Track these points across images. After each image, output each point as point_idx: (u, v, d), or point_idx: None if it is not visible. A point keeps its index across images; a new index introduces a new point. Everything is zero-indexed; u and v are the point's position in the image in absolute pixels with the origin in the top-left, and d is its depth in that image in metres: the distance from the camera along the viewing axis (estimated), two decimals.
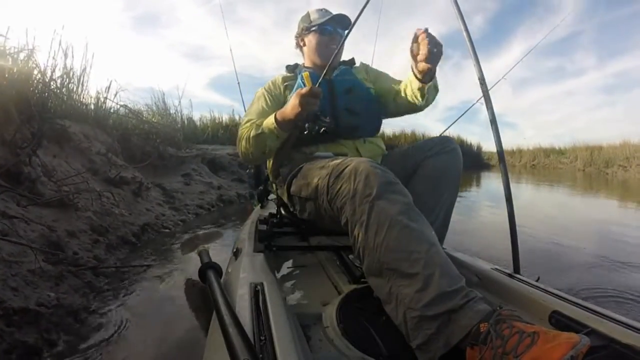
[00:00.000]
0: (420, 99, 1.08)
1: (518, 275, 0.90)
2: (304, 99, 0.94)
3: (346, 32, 1.10)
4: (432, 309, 0.59)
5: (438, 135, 1.36)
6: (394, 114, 1.28)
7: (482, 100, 1.08)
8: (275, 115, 1.04)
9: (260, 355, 0.47)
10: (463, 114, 1.62)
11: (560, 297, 0.75)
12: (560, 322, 0.69)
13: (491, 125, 1.02)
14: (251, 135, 1.09)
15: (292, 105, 0.98)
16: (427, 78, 1.00)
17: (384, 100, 1.25)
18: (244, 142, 1.12)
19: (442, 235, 1.04)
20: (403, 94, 1.13)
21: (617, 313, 0.67)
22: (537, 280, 1.04)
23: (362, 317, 0.78)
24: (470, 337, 0.55)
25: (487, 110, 1.05)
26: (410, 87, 1.07)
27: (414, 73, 1.01)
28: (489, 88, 1.05)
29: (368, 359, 0.65)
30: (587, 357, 0.49)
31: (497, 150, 1.05)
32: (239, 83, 2.40)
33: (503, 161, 1.04)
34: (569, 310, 0.70)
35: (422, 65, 0.93)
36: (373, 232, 0.68)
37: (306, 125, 1.01)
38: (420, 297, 0.60)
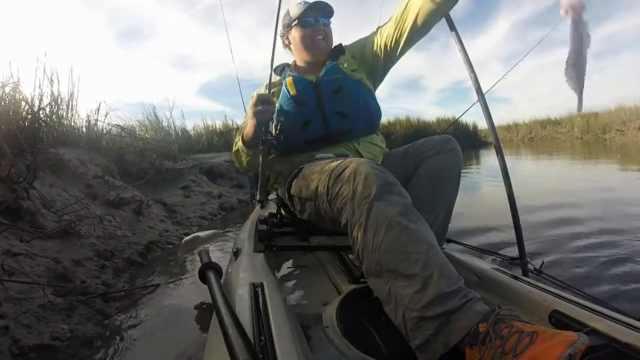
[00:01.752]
0: None
1: (518, 275, 0.90)
2: (254, 110, 0.96)
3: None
4: (431, 310, 0.59)
5: (438, 128, 1.36)
6: (410, 42, 1.10)
7: (483, 95, 1.10)
8: (242, 133, 1.09)
9: (260, 356, 0.47)
10: (461, 116, 1.61)
11: (560, 297, 0.75)
12: (561, 321, 0.69)
13: (487, 125, 1.03)
14: (233, 150, 1.18)
15: (248, 120, 1.01)
16: None
17: (386, 52, 1.13)
18: (233, 156, 1.22)
19: (441, 235, 1.03)
20: (411, 10, 1.01)
21: (617, 312, 0.67)
22: (541, 267, 1.04)
23: (362, 317, 0.78)
24: (469, 337, 0.55)
25: (486, 120, 1.06)
26: None
27: None
28: (484, 92, 1.06)
29: (368, 359, 0.65)
30: (587, 356, 0.50)
31: (501, 168, 1.06)
32: (239, 83, 2.37)
33: (507, 178, 1.05)
34: (569, 310, 0.69)
35: None
36: (372, 233, 0.68)
37: (269, 130, 1.02)
38: (419, 298, 0.61)
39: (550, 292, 0.77)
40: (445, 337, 0.58)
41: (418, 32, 1.06)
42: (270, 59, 1.13)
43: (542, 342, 0.48)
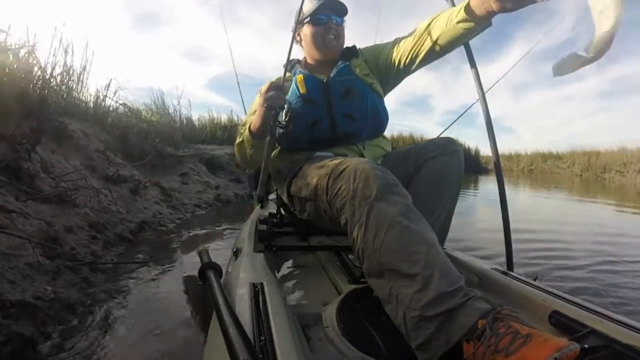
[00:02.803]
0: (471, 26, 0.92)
1: (518, 275, 0.90)
2: (266, 95, 0.94)
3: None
4: (432, 309, 0.58)
5: (437, 136, 1.33)
6: (426, 60, 1.10)
7: (483, 99, 1.10)
8: (250, 123, 1.05)
9: (260, 355, 0.47)
10: (461, 116, 1.61)
11: (560, 297, 0.74)
12: (560, 322, 0.69)
13: (486, 125, 1.04)
14: (236, 142, 1.13)
15: (259, 107, 0.99)
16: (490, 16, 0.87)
17: (400, 65, 1.13)
18: (235, 148, 1.16)
19: (442, 236, 1.02)
20: (434, 31, 1.00)
21: (617, 313, 0.67)
22: (534, 280, 1.04)
23: (362, 317, 0.78)
24: (467, 333, 0.55)
25: (483, 112, 1.07)
26: (457, 17, 0.94)
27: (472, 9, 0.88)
28: (485, 91, 1.07)
29: (368, 359, 0.65)
30: (588, 356, 0.49)
31: (492, 151, 1.06)
32: (238, 83, 2.38)
33: (499, 168, 1.04)
34: (569, 310, 0.69)
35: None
36: (372, 234, 0.68)
37: (277, 120, 0.98)
38: (420, 297, 0.60)
39: (550, 292, 0.77)
40: (445, 336, 0.57)
41: (435, 54, 1.06)
42: (284, 55, 1.12)
43: (534, 345, 0.48)
